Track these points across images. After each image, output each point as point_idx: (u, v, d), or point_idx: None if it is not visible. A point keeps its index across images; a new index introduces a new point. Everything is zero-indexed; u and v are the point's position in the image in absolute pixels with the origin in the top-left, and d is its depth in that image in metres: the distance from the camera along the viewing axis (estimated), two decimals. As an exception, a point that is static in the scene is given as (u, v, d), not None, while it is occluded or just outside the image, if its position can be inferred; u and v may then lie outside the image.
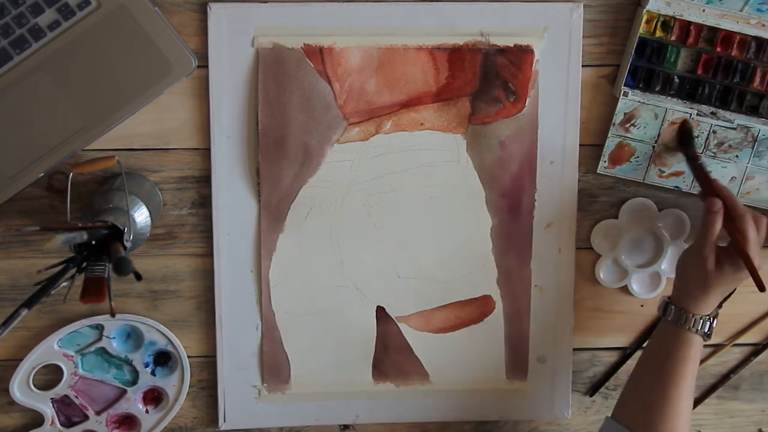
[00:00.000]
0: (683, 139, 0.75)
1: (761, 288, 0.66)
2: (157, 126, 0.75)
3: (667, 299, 0.73)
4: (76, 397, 0.79)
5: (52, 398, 0.79)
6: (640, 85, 0.75)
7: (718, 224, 0.69)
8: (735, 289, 0.73)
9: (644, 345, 0.75)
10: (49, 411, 0.79)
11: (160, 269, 0.78)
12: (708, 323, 0.70)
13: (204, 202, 0.76)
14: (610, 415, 0.73)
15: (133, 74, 0.71)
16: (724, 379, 0.84)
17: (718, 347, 0.83)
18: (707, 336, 0.70)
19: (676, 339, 0.70)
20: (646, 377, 0.72)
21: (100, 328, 0.78)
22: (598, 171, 0.77)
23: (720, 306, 0.72)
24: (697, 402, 0.84)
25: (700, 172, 0.73)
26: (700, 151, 0.76)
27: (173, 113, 0.74)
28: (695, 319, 0.69)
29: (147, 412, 0.80)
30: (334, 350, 0.80)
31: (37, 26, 0.70)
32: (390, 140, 0.76)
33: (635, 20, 0.75)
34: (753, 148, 0.76)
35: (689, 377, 0.70)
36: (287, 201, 0.77)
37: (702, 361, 0.83)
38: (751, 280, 0.67)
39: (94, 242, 0.64)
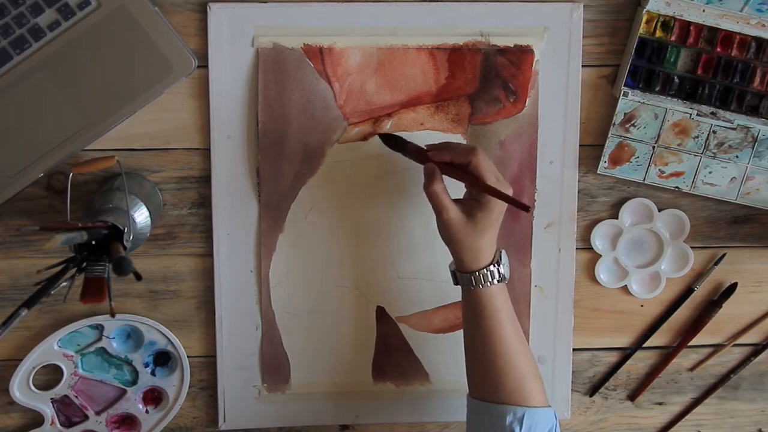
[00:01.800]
0: (393, 145, 0.73)
1: (525, 208, 0.63)
2: (157, 126, 0.75)
3: (453, 267, 0.71)
4: (76, 397, 0.79)
5: (52, 398, 0.79)
6: (640, 85, 0.75)
7: (438, 181, 0.66)
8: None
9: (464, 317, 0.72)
10: (49, 411, 0.79)
11: (160, 269, 0.78)
12: (495, 270, 0.68)
13: (204, 202, 0.76)
14: (468, 393, 0.72)
15: (133, 74, 0.71)
16: (724, 379, 0.84)
17: (718, 347, 0.83)
18: (504, 278, 0.68)
19: (480, 300, 0.68)
20: (475, 346, 0.70)
21: (100, 328, 0.78)
22: (598, 171, 0.77)
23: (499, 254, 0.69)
24: (697, 402, 0.84)
25: (412, 148, 0.71)
26: (700, 152, 0.76)
27: (173, 113, 0.74)
28: (482, 275, 0.67)
29: (147, 412, 0.80)
30: (334, 350, 0.80)
31: (37, 26, 0.70)
32: (390, 140, 0.76)
33: (635, 20, 0.75)
34: (753, 149, 0.76)
35: (508, 326, 0.68)
36: (287, 201, 0.77)
37: (702, 361, 0.83)
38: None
39: (94, 242, 0.64)
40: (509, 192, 0.66)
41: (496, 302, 0.68)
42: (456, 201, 0.68)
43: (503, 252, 0.70)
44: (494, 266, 0.68)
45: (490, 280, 0.68)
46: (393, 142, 0.73)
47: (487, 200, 0.66)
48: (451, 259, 0.71)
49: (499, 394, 0.67)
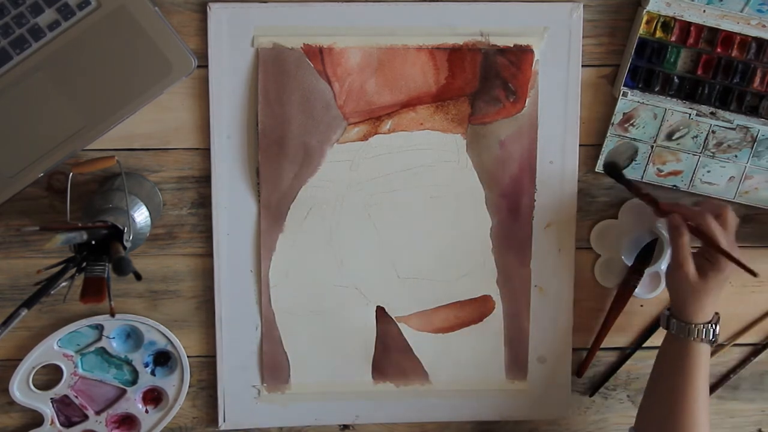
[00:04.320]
0: (612, 173, 0.77)
1: (754, 273, 0.67)
2: (157, 126, 0.75)
3: (668, 313, 0.74)
4: (76, 397, 0.79)
5: (51, 398, 0.79)
6: (640, 86, 0.75)
7: (685, 237, 0.71)
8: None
9: (656, 355, 0.76)
10: (48, 411, 0.79)
11: (160, 269, 0.78)
12: (711, 330, 0.71)
13: (204, 202, 0.76)
14: (632, 426, 0.76)
15: (133, 74, 0.71)
16: (724, 379, 0.84)
17: (718, 347, 0.83)
18: (712, 343, 0.72)
19: (684, 350, 0.71)
20: (659, 389, 0.73)
21: (100, 328, 0.78)
22: (597, 171, 0.77)
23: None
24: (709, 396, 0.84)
25: (642, 194, 0.75)
26: (699, 151, 0.77)
27: (173, 113, 0.74)
28: (698, 329, 0.71)
29: (147, 412, 0.80)
30: (334, 350, 0.80)
31: (37, 26, 0.70)
32: (390, 140, 0.76)
33: (635, 20, 0.75)
34: (752, 148, 0.76)
35: (702, 385, 0.71)
36: (287, 201, 0.77)
37: (710, 355, 0.83)
38: (744, 278, 0.69)
39: (94, 242, 0.64)
40: (737, 254, 0.69)
41: (701, 360, 0.71)
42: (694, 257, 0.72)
43: (718, 315, 0.73)
44: (712, 326, 0.71)
45: (703, 336, 0.71)
46: (618, 176, 0.76)
47: (719, 263, 0.70)
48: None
49: None
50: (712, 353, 0.83)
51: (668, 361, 0.73)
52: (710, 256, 0.70)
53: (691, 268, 0.70)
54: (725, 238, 0.70)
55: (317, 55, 0.74)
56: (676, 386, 0.71)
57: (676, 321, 0.72)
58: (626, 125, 0.76)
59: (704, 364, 0.71)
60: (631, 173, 0.77)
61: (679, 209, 0.72)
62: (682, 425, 0.70)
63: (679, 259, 0.71)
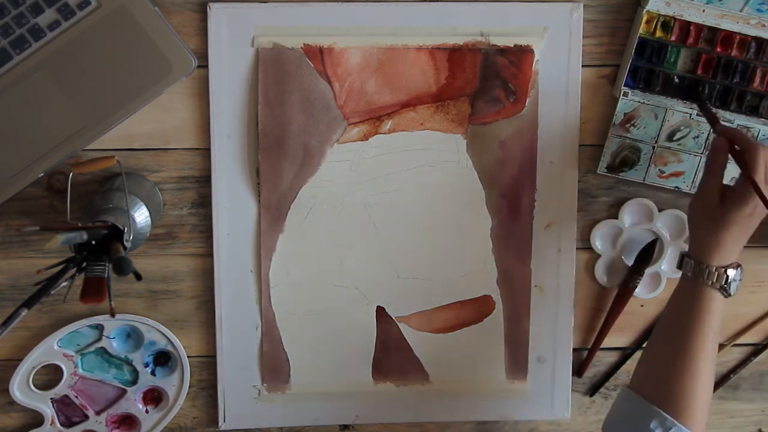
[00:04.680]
0: (694, 94, 0.74)
1: None
2: (157, 126, 0.75)
3: (684, 253, 0.69)
4: (76, 397, 0.79)
5: (52, 398, 0.79)
6: (640, 85, 0.75)
7: (723, 160, 0.66)
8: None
9: (665, 305, 0.71)
10: (49, 411, 0.79)
11: (160, 269, 0.78)
12: (726, 276, 0.65)
13: (204, 202, 0.76)
14: (627, 384, 0.70)
15: (133, 74, 0.71)
16: (724, 379, 0.84)
17: (718, 347, 0.83)
18: (726, 292, 0.66)
19: (694, 295, 0.66)
20: (663, 340, 0.68)
21: (100, 328, 0.78)
22: (597, 171, 0.77)
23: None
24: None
25: (708, 114, 0.72)
26: (700, 152, 0.77)
27: (173, 113, 0.74)
28: (710, 271, 0.65)
29: (147, 412, 0.80)
30: (334, 350, 0.80)
31: (37, 26, 0.70)
32: (390, 140, 0.76)
33: (635, 20, 0.75)
34: (753, 148, 0.76)
35: (708, 338, 0.65)
36: (287, 201, 0.77)
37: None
38: (745, 280, 0.65)
39: (94, 242, 0.64)
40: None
41: (713, 307, 0.66)
42: (723, 187, 0.66)
43: (741, 268, 0.67)
44: (731, 270, 0.66)
45: (715, 281, 0.65)
46: (699, 100, 0.74)
47: (743, 192, 0.64)
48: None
49: (662, 397, 0.65)
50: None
51: (677, 308, 0.68)
52: (739, 187, 0.65)
53: (715, 192, 0.66)
54: (764, 177, 0.64)
55: (317, 55, 0.74)
56: (681, 338, 0.65)
57: (690, 260, 0.67)
58: (627, 125, 0.76)
59: (715, 315, 0.65)
60: (633, 174, 0.77)
61: (736, 133, 0.67)
62: (683, 382, 0.64)
63: (708, 182, 0.66)
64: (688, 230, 0.70)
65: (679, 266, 0.69)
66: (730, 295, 0.66)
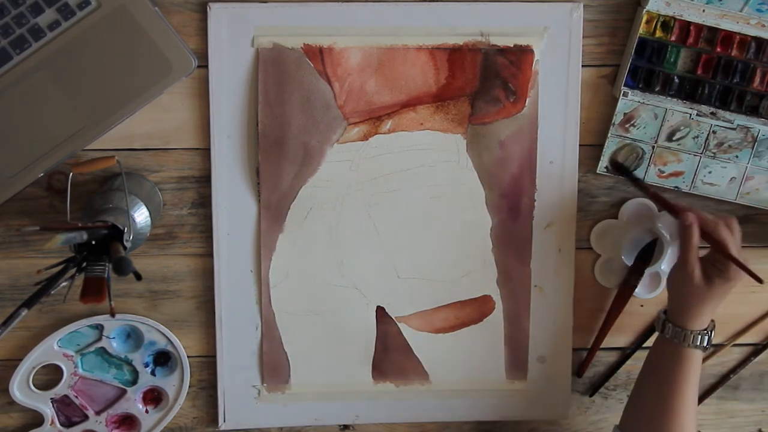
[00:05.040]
0: (622, 172, 0.77)
1: (760, 281, 0.67)
2: (157, 126, 0.75)
3: (663, 316, 0.74)
4: (76, 397, 0.79)
5: (52, 398, 0.79)
6: (640, 86, 0.75)
7: (696, 237, 0.70)
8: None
9: (646, 355, 0.76)
10: (49, 411, 0.79)
11: (160, 269, 0.78)
12: (706, 337, 0.71)
13: (204, 202, 0.76)
14: (617, 424, 0.75)
15: (133, 74, 0.71)
16: (724, 379, 0.84)
17: (718, 347, 0.83)
18: (705, 349, 0.72)
19: (676, 355, 0.71)
20: (648, 390, 0.73)
21: (100, 328, 0.78)
22: (597, 171, 0.77)
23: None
24: (698, 402, 0.84)
25: (656, 197, 0.75)
26: (700, 152, 0.77)
27: (173, 113, 0.74)
28: (693, 335, 0.71)
29: (147, 412, 0.80)
30: (334, 350, 0.80)
31: (37, 26, 0.70)
32: (390, 140, 0.76)
33: (635, 20, 0.75)
34: (753, 149, 0.76)
35: (691, 390, 0.71)
36: (287, 201, 0.77)
37: (701, 361, 0.83)
38: (745, 280, 0.68)
39: (94, 242, 0.64)
40: (747, 262, 0.68)
41: (692, 366, 0.71)
42: (702, 261, 0.71)
43: (714, 323, 0.72)
44: (708, 334, 0.71)
45: (698, 344, 0.71)
46: (627, 174, 0.76)
47: (728, 270, 0.69)
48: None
49: None
50: (711, 354, 0.83)
51: (660, 363, 0.73)
52: (719, 263, 0.69)
53: (697, 270, 0.70)
54: (736, 247, 0.69)
55: (317, 55, 0.74)
56: (666, 390, 0.71)
57: (672, 325, 0.72)
58: (627, 125, 0.76)
59: (696, 370, 0.71)
60: (636, 173, 0.77)
61: (691, 212, 0.71)
62: (669, 427, 0.70)
63: (687, 259, 0.70)
64: (667, 294, 0.75)
65: (660, 330, 0.73)
66: (708, 350, 0.73)
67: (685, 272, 0.70)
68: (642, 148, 0.76)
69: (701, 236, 0.70)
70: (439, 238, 0.78)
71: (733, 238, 0.70)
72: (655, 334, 0.81)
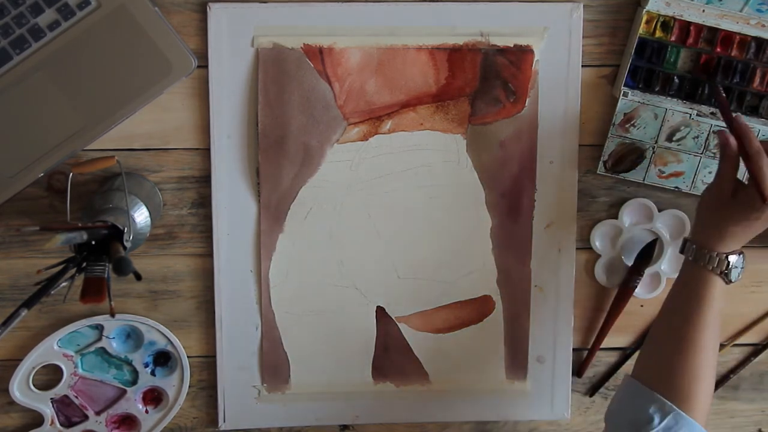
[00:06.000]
0: (710, 74, 0.74)
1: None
2: (157, 126, 0.75)
3: (687, 238, 0.70)
4: (76, 397, 0.79)
5: (51, 398, 0.79)
6: (640, 86, 0.75)
7: (733, 160, 0.66)
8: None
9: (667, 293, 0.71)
10: (48, 411, 0.79)
11: (160, 269, 0.78)
12: (727, 262, 0.66)
13: (204, 202, 0.76)
14: (628, 373, 0.71)
15: (133, 74, 0.71)
16: (724, 379, 0.84)
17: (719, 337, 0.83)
18: (727, 278, 0.66)
19: (695, 280, 0.67)
20: (664, 327, 0.69)
21: (100, 328, 0.78)
22: (597, 171, 0.77)
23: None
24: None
25: (723, 106, 0.72)
26: (700, 152, 0.77)
27: (173, 113, 0.74)
28: (711, 257, 0.66)
29: (147, 412, 0.80)
30: (334, 350, 0.80)
31: (37, 26, 0.70)
32: (390, 140, 0.76)
33: (635, 20, 0.75)
34: (753, 148, 0.76)
35: (709, 323, 0.65)
36: (287, 201, 0.77)
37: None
38: (744, 280, 0.66)
39: (94, 242, 0.64)
40: None
41: (715, 292, 0.66)
42: (739, 182, 0.67)
43: (744, 255, 0.68)
44: (733, 256, 0.66)
45: (716, 266, 0.66)
46: (711, 83, 0.73)
47: (756, 196, 0.64)
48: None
49: (664, 384, 0.65)
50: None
51: (679, 293, 0.68)
52: (752, 188, 0.64)
53: (728, 184, 0.66)
54: None
55: (317, 55, 0.74)
56: (683, 324, 0.66)
57: (693, 245, 0.67)
58: (627, 126, 0.76)
59: (715, 299, 0.66)
60: (633, 174, 0.77)
61: (744, 135, 0.66)
62: (685, 369, 0.65)
63: (721, 171, 0.66)
64: (695, 216, 0.70)
65: (682, 250, 0.70)
66: (731, 281, 0.67)
67: (715, 188, 0.66)
68: (644, 149, 0.76)
69: (743, 160, 0.65)
70: (439, 238, 0.78)
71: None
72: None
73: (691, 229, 0.70)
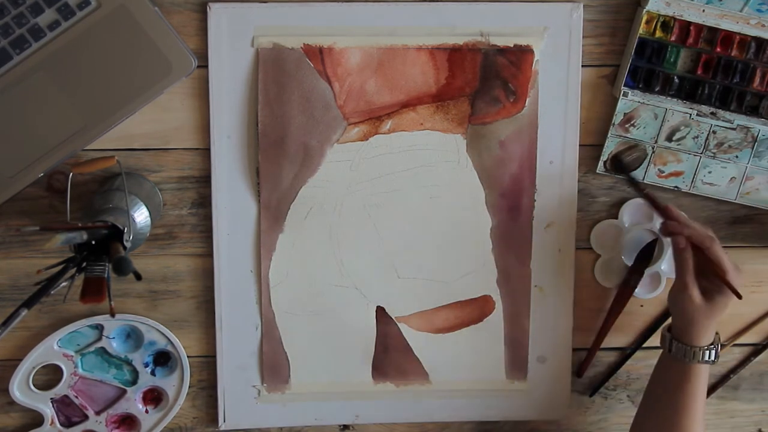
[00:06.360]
0: (619, 170, 0.76)
1: (739, 297, 0.69)
2: (157, 126, 0.75)
3: (668, 334, 0.73)
4: (76, 397, 0.79)
5: (51, 398, 0.79)
6: (640, 86, 0.75)
7: (690, 261, 0.70)
8: None
9: (651, 373, 0.76)
10: (49, 411, 0.79)
11: (160, 269, 0.78)
12: (714, 351, 0.71)
13: (204, 202, 0.76)
14: None
15: (133, 74, 0.71)
16: (724, 379, 0.84)
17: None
18: (711, 361, 0.71)
19: (684, 372, 0.71)
20: (656, 408, 0.73)
21: (100, 328, 0.78)
22: (597, 171, 0.77)
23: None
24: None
25: (653, 202, 0.75)
26: (700, 152, 0.77)
27: (173, 113, 0.74)
28: (701, 352, 0.70)
29: (147, 412, 0.80)
30: (334, 350, 0.80)
31: (37, 26, 0.70)
32: (390, 140, 0.76)
33: (635, 20, 0.75)
34: (753, 149, 0.76)
35: (700, 405, 0.71)
36: (287, 201, 0.77)
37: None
38: (744, 281, 0.69)
39: (94, 242, 0.64)
40: (741, 276, 0.70)
41: (700, 381, 0.71)
42: (704, 281, 0.71)
43: (719, 335, 0.73)
44: (714, 347, 0.71)
45: (706, 359, 0.70)
46: (629, 178, 0.76)
47: (727, 292, 0.69)
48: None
49: None
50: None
51: (667, 381, 0.73)
52: (717, 280, 0.69)
53: (695, 291, 0.70)
54: (731, 265, 0.69)
55: (317, 55, 0.74)
56: (674, 407, 0.71)
57: (678, 343, 0.71)
58: (627, 125, 0.76)
59: (703, 385, 0.71)
60: (634, 173, 0.77)
61: (686, 229, 0.70)
62: None
63: (684, 282, 0.70)
64: (671, 312, 0.74)
65: (668, 349, 0.73)
66: (714, 362, 0.71)
67: (684, 294, 0.70)
68: (645, 149, 0.76)
69: (696, 254, 0.70)
70: (439, 238, 0.78)
71: (726, 256, 0.69)
72: (658, 333, 0.82)
73: (672, 325, 0.74)
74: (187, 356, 0.79)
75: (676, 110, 0.75)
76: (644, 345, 0.82)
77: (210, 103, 0.74)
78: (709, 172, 0.77)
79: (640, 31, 0.74)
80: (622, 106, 0.75)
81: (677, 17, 0.73)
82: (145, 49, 0.71)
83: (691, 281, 0.70)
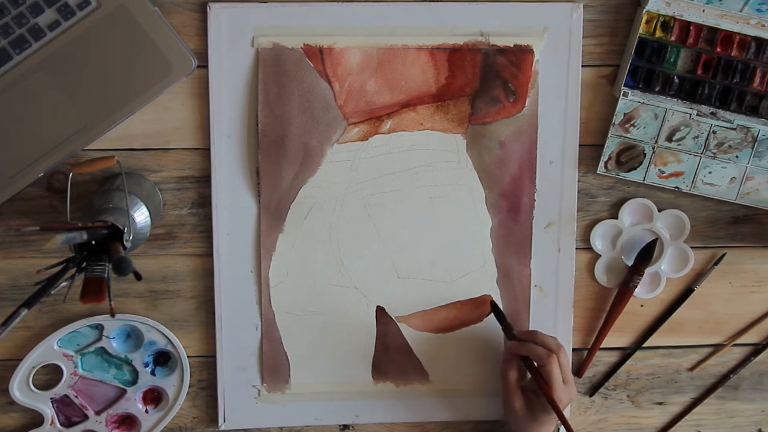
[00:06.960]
0: (496, 314, 0.78)
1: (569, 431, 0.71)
2: (157, 126, 0.75)
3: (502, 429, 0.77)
4: (76, 397, 0.79)
5: (51, 398, 0.79)
6: (640, 86, 0.75)
7: (511, 374, 0.74)
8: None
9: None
10: (48, 411, 0.79)
11: (160, 269, 0.78)
12: None
13: (204, 202, 0.76)
14: None
15: (133, 74, 0.71)
16: (724, 379, 0.84)
17: (718, 347, 0.83)
18: None
19: None
20: None
21: (99, 328, 0.78)
22: (597, 171, 0.77)
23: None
24: (697, 402, 0.84)
25: (506, 329, 0.77)
26: (700, 152, 0.77)
27: (173, 113, 0.74)
28: None
29: (147, 412, 0.80)
30: (334, 350, 0.80)
31: (37, 26, 0.70)
32: (390, 140, 0.76)
33: (635, 20, 0.75)
34: (753, 149, 0.76)
35: None
36: (287, 201, 0.77)
37: (702, 361, 0.83)
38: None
39: (94, 242, 0.64)
40: (573, 393, 0.74)
41: None
42: (523, 389, 0.75)
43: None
44: None
45: None
46: (497, 311, 0.78)
47: (550, 408, 0.71)
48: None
49: None
50: (712, 354, 0.83)
51: None
52: (545, 404, 0.72)
53: (518, 404, 0.73)
54: (561, 382, 0.71)
55: (317, 55, 0.74)
56: None
57: None
58: (627, 125, 0.76)
59: None
60: (634, 175, 0.77)
61: (523, 346, 0.73)
62: None
63: (509, 393, 0.74)
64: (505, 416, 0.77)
65: None
66: None
67: (510, 405, 0.74)
68: (644, 149, 0.76)
69: (529, 369, 0.73)
70: (439, 238, 0.78)
71: (557, 372, 0.71)
72: (658, 333, 0.82)
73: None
74: (187, 356, 0.79)
75: (676, 110, 0.75)
76: (644, 345, 0.82)
77: (210, 103, 0.74)
78: (710, 173, 0.77)
79: (640, 31, 0.74)
80: (622, 106, 0.75)
81: (677, 17, 0.73)
82: (145, 49, 0.71)
83: (514, 392, 0.73)
